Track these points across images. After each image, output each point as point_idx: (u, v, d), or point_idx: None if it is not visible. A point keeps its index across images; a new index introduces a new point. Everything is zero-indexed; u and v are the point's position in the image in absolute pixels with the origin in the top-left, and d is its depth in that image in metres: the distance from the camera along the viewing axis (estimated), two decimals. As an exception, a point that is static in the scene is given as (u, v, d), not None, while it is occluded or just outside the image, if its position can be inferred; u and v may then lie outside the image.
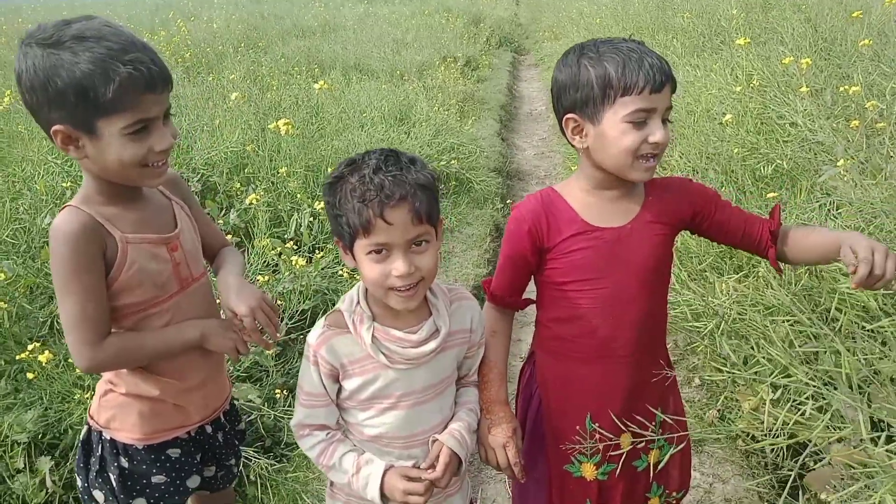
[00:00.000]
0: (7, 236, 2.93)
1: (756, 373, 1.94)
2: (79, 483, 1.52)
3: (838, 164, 2.32)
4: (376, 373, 1.35)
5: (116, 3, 17.30)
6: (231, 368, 2.74)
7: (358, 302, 1.36)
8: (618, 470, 1.54)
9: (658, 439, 1.55)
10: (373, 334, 1.33)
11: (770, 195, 2.65)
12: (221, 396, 1.58)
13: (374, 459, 1.37)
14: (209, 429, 1.56)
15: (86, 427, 1.52)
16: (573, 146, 1.44)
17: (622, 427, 1.51)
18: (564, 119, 1.42)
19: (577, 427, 1.54)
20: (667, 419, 1.55)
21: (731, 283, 2.40)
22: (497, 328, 1.57)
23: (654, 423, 1.54)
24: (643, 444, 1.53)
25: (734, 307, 2.34)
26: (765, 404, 2.39)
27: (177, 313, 1.42)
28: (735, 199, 3.03)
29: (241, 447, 1.71)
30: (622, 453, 1.51)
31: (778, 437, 2.07)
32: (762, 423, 2.32)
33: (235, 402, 1.75)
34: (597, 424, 1.53)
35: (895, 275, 1.26)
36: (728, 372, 1.83)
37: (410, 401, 1.37)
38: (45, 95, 1.21)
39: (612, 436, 1.51)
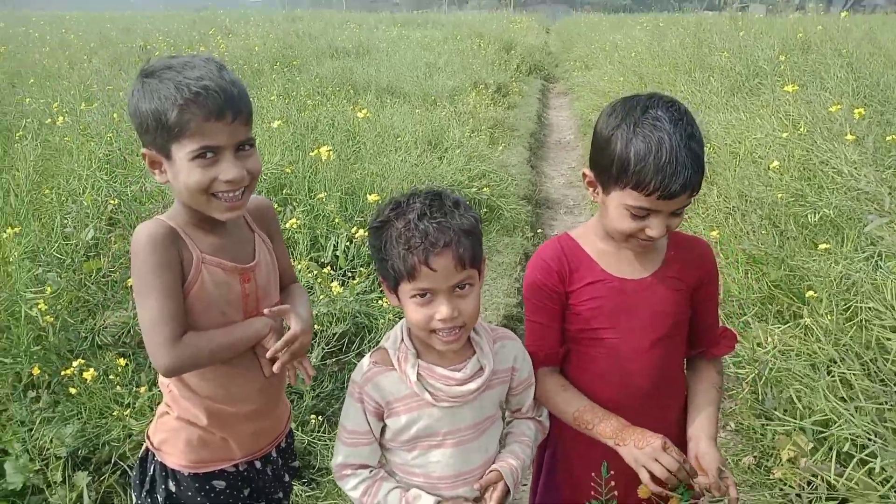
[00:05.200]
0: (53, 250, 2.98)
1: (802, 428, 1.91)
2: (133, 498, 1.54)
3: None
4: (421, 411, 1.36)
5: (155, 16, 17.68)
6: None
7: (402, 339, 1.37)
8: None
9: (679, 487, 1.52)
10: (418, 371, 1.34)
11: (822, 246, 2.64)
12: (273, 434, 1.57)
13: (421, 495, 1.36)
14: (258, 464, 1.56)
15: (144, 445, 1.53)
16: None
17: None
18: (583, 170, 1.42)
19: (593, 474, 1.50)
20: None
21: (777, 334, 2.37)
22: (562, 383, 1.51)
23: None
24: (662, 492, 1.49)
25: (778, 357, 2.31)
26: (805, 456, 2.35)
27: None
28: (778, 243, 3.01)
29: (291, 483, 1.70)
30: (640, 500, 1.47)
31: (818, 492, 2.03)
32: (801, 475, 2.28)
33: (294, 438, 1.73)
34: (612, 472, 1.49)
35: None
36: (779, 422, 1.79)
37: (455, 439, 1.37)
38: (136, 120, 1.30)
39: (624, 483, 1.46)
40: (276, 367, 1.42)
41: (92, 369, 2.32)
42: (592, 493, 1.52)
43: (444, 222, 1.24)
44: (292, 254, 3.56)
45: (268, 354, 1.41)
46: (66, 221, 3.24)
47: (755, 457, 2.63)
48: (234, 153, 1.30)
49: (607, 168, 1.33)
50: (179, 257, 1.33)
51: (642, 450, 1.35)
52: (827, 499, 2.04)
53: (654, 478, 1.34)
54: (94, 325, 2.84)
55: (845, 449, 1.98)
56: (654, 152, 1.25)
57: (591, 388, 1.48)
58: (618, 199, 1.33)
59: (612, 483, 1.50)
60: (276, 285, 1.52)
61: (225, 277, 1.38)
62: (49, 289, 2.67)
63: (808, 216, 2.92)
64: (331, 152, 3.82)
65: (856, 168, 3.09)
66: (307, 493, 2.47)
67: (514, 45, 13.55)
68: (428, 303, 1.26)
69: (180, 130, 1.24)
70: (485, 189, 5.17)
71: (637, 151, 1.26)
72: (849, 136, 3.29)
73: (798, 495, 2.16)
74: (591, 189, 1.42)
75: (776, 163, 3.39)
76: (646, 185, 1.26)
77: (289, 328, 1.43)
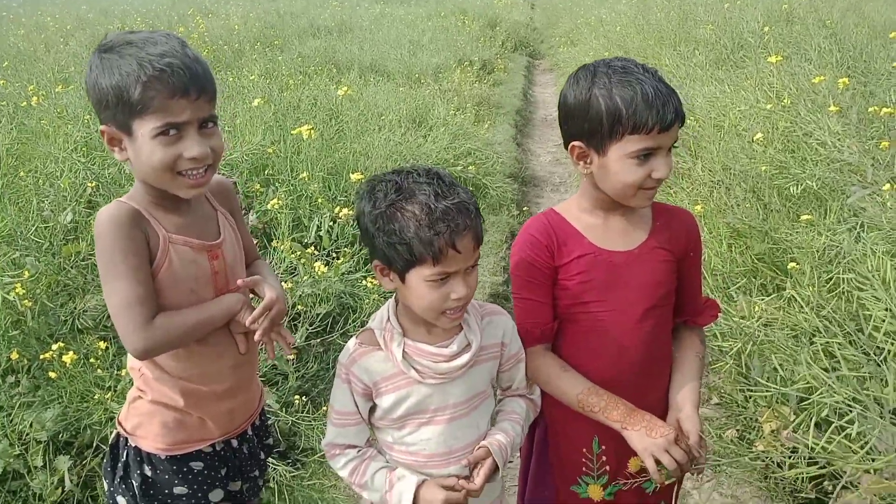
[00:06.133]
0: (31, 234, 2.94)
1: (785, 396, 1.92)
2: (105, 486, 1.53)
3: (884, 187, 2.31)
4: (409, 388, 1.35)
5: (133, -4, 17.36)
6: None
7: (388, 319, 1.37)
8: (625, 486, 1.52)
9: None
10: (403, 350, 1.33)
11: (804, 217, 2.64)
12: (249, 410, 1.57)
13: (406, 475, 1.36)
14: (235, 442, 1.55)
15: (115, 432, 1.52)
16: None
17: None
18: (570, 146, 1.42)
19: (584, 450, 1.53)
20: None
21: (762, 305, 2.38)
22: (561, 364, 1.49)
23: None
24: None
25: (762, 329, 2.32)
26: (786, 427, 2.37)
27: None
28: (761, 217, 3.01)
29: (266, 460, 1.69)
30: (629, 474, 1.49)
31: (799, 461, 2.05)
32: (783, 445, 2.30)
33: (268, 416, 1.73)
34: (603, 447, 1.51)
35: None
36: (762, 388, 1.80)
37: (446, 415, 1.37)
38: (95, 96, 1.27)
39: (618, 458, 1.50)
40: (257, 336, 1.41)
41: (72, 353, 2.30)
42: (584, 468, 1.53)
43: (461, 203, 1.23)
44: (275, 234, 3.53)
45: (247, 322, 1.40)
46: (43, 205, 3.19)
47: (738, 430, 2.66)
48: (197, 130, 1.28)
49: (598, 128, 1.34)
50: (145, 238, 1.31)
51: (655, 440, 1.36)
52: (808, 465, 2.06)
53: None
54: (74, 308, 2.81)
55: (824, 414, 2.00)
56: (638, 92, 1.30)
57: (583, 364, 1.48)
58: (619, 151, 1.34)
59: (604, 458, 1.51)
60: (243, 262, 1.52)
61: (193, 255, 1.37)
62: (27, 273, 2.63)
63: (792, 188, 2.92)
64: (313, 131, 3.77)
65: (839, 139, 3.09)
66: (292, 474, 2.47)
67: (499, 21, 13.40)
68: (443, 284, 1.26)
69: (143, 107, 1.22)
70: (470, 167, 5.15)
71: (623, 98, 1.31)
72: (832, 108, 3.29)
73: (779, 465, 2.18)
74: (581, 163, 1.41)
75: (760, 135, 3.39)
76: (644, 123, 1.29)
77: (262, 299, 1.42)
